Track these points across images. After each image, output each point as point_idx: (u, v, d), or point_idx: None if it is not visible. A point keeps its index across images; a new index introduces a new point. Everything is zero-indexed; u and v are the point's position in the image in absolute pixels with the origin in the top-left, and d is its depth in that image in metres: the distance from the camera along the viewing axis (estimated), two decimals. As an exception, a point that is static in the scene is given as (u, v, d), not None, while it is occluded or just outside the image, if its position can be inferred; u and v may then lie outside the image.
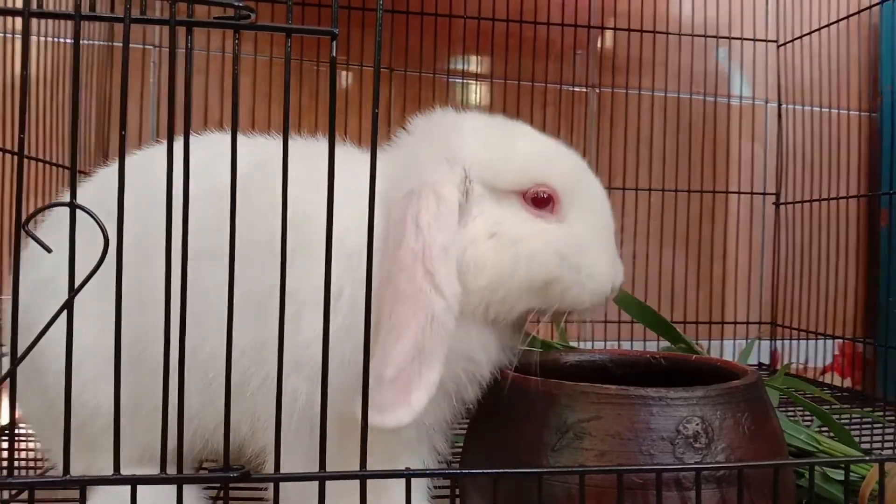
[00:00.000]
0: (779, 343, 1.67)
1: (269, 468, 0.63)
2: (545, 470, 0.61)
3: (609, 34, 1.69)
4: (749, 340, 1.16)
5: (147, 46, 1.50)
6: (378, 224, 0.59)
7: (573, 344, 1.39)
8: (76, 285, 0.49)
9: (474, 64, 1.64)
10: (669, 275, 1.68)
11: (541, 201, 0.71)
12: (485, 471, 0.61)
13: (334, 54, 0.55)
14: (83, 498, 0.51)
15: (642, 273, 1.66)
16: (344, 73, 1.57)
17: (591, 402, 0.66)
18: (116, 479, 0.52)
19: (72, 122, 0.51)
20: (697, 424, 0.64)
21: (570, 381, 0.68)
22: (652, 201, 1.69)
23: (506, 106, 1.64)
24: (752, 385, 0.69)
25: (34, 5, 0.50)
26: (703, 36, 1.68)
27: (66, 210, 0.52)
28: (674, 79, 1.69)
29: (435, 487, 0.75)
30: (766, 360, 1.70)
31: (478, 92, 1.64)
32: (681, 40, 1.67)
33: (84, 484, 0.51)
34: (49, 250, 0.51)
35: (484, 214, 0.70)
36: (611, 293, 0.74)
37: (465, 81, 1.64)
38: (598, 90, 1.69)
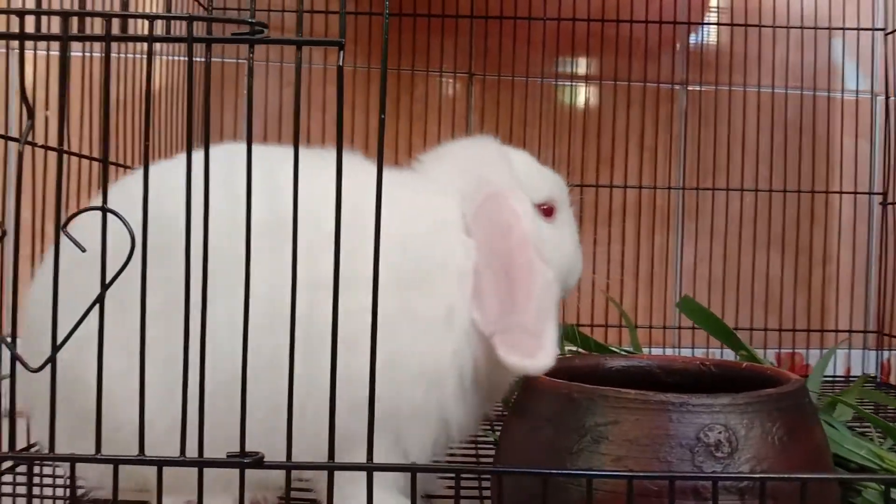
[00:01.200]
0: (886, 353, 1.55)
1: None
2: (550, 471, 0.61)
3: (702, 29, 1.63)
4: (827, 350, 1.09)
5: (241, 60, 1.59)
6: (459, 222, 0.81)
7: (646, 350, 1.36)
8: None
9: (561, 66, 1.63)
10: (765, 279, 1.60)
11: (548, 211, 0.90)
12: (496, 469, 0.62)
13: (341, 63, 0.58)
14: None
15: (734, 277, 1.60)
16: (418, 78, 1.61)
17: (611, 406, 0.65)
18: (139, 460, 0.57)
19: (103, 127, 0.56)
20: (720, 433, 0.62)
21: (591, 385, 0.67)
22: (747, 202, 1.61)
23: (616, 105, 1.62)
24: (787, 394, 0.65)
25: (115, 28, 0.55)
26: (804, 28, 1.59)
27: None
28: (768, 73, 1.61)
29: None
30: (872, 370, 1.58)
31: (572, 93, 1.63)
32: (775, 33, 1.58)
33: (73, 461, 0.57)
34: (83, 250, 0.56)
35: None
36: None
37: (555, 82, 1.63)
38: (688, 88, 1.64)
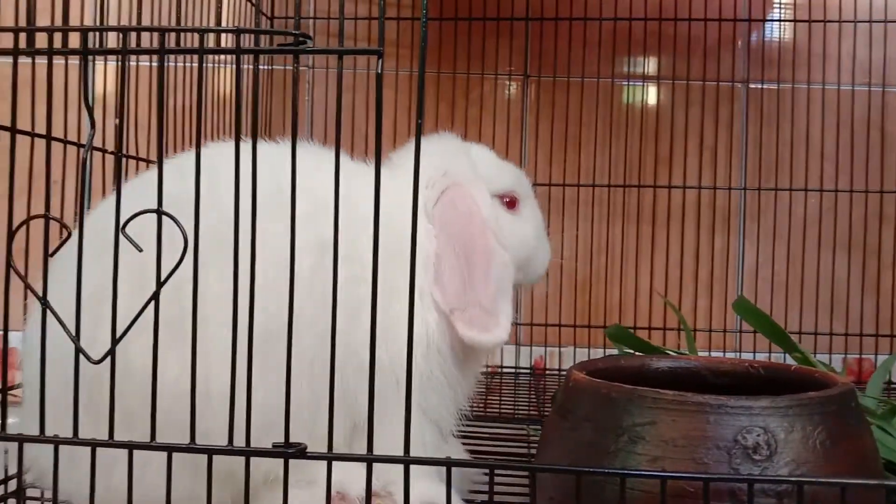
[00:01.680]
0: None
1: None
2: (582, 469, 0.61)
3: (764, 26, 1.60)
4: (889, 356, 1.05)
5: (302, 67, 1.64)
6: (429, 228, 0.86)
7: (704, 354, 1.34)
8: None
9: (619, 66, 1.62)
10: (831, 282, 1.55)
11: (511, 203, 0.95)
12: (529, 465, 0.63)
13: (380, 71, 0.60)
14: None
15: (797, 279, 1.55)
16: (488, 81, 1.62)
17: (648, 406, 0.65)
18: (189, 448, 0.60)
19: (158, 132, 0.60)
20: (759, 435, 0.61)
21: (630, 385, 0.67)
22: (812, 203, 1.57)
23: (675, 105, 1.61)
24: (831, 398, 0.64)
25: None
26: (873, 22, 1.53)
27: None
28: (833, 70, 1.56)
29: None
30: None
31: (629, 93, 1.62)
32: (841, 27, 1.54)
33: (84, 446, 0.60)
34: (140, 250, 0.60)
35: None
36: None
37: (612, 82, 1.62)
38: (749, 85, 1.61)
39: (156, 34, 0.59)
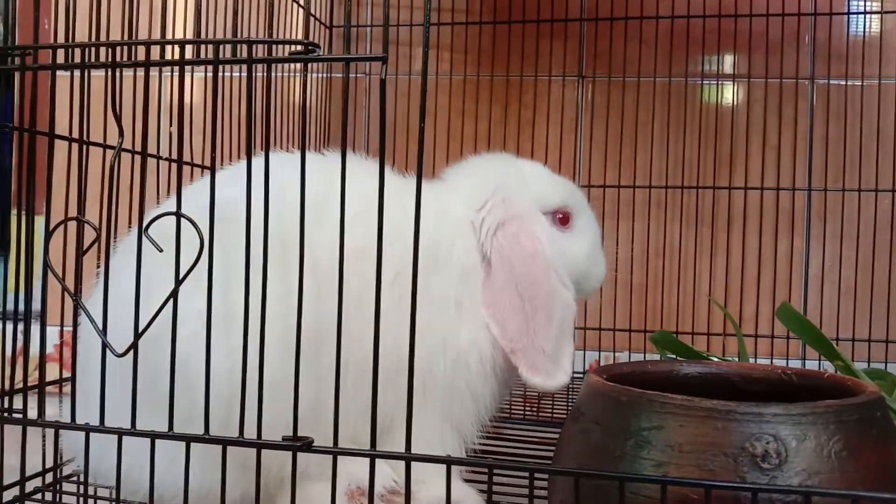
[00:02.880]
0: None
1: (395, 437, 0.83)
2: (581, 472, 0.61)
3: (832, 20, 1.53)
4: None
5: (360, 75, 1.68)
6: (471, 242, 0.88)
7: (763, 361, 1.29)
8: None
9: (676, 64, 1.58)
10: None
11: (564, 219, 0.95)
12: (528, 466, 0.63)
13: (384, 77, 0.62)
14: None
15: (867, 285, 1.48)
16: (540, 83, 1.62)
17: (656, 410, 0.64)
18: (202, 438, 0.63)
19: (178, 142, 0.64)
20: (768, 443, 0.59)
21: (640, 389, 0.66)
22: (883, 204, 1.49)
23: (736, 103, 1.56)
24: (850, 407, 0.61)
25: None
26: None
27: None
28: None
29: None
30: None
31: (702, 92, 1.59)
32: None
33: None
34: (160, 250, 0.64)
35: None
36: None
37: (670, 80, 1.59)
38: (815, 82, 1.54)
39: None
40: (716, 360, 1.03)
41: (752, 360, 1.41)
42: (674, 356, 1.12)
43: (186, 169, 0.98)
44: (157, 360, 0.71)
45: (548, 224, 0.93)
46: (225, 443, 0.64)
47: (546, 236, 0.89)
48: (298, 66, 0.64)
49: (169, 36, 0.64)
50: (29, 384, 0.79)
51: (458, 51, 1.64)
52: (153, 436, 0.66)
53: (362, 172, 0.78)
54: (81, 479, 0.82)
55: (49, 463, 0.84)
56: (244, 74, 1.29)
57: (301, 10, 1.46)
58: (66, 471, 0.89)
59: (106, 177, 0.65)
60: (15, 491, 0.79)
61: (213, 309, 0.65)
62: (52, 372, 1.41)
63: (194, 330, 0.68)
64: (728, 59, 1.55)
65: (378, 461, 0.64)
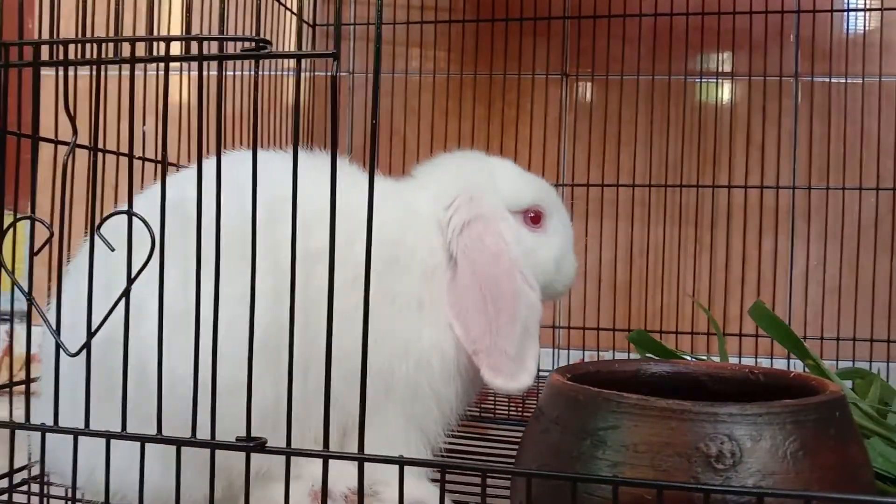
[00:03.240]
0: None
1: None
2: (532, 472, 0.60)
3: (815, 18, 1.52)
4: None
5: (343, 73, 1.67)
6: (437, 240, 0.87)
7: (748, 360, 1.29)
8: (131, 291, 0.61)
9: (659, 62, 1.57)
10: (888, 287, 1.46)
11: (535, 218, 0.94)
12: (476, 466, 0.62)
13: (334, 73, 0.61)
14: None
15: (851, 283, 1.47)
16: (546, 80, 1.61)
17: (612, 410, 0.63)
18: (158, 439, 0.63)
19: (129, 138, 0.63)
20: (722, 443, 0.59)
21: (594, 388, 0.65)
22: (867, 202, 1.48)
23: (720, 101, 1.56)
24: (809, 406, 0.61)
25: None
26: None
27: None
28: (892, 61, 1.47)
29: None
30: None
31: (685, 90, 1.58)
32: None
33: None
34: (112, 249, 0.63)
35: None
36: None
37: (653, 79, 1.58)
38: (800, 79, 1.53)
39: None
40: (689, 359, 1.03)
41: (732, 360, 1.41)
42: (651, 355, 1.12)
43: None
44: (117, 360, 0.71)
45: (517, 223, 0.93)
46: (179, 443, 0.64)
47: (512, 236, 0.88)
48: (290, 64, 0.64)
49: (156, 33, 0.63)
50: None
51: (441, 49, 1.63)
52: (108, 436, 0.65)
53: (321, 171, 0.78)
54: (46, 479, 0.82)
55: (17, 463, 0.84)
56: (231, 73, 1.28)
57: (287, 11, 1.46)
58: (37, 471, 0.88)
59: (83, 177, 0.64)
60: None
61: (175, 309, 0.65)
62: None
63: (153, 330, 0.67)
64: (712, 57, 1.54)
65: (345, 463, 0.64)
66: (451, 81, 1.62)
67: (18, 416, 0.72)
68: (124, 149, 0.69)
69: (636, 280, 1.57)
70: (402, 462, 0.61)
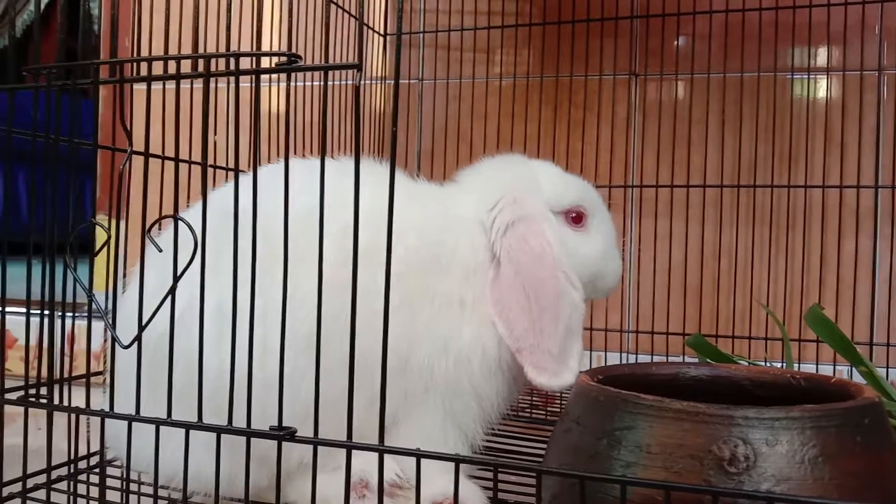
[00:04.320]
0: None
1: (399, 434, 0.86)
2: (543, 469, 0.61)
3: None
4: None
5: (412, 81, 1.72)
6: (480, 241, 0.89)
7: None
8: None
9: (731, 59, 1.53)
10: None
11: (577, 218, 0.95)
12: (460, 459, 0.64)
13: (357, 83, 0.64)
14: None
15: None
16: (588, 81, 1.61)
17: (629, 411, 0.63)
18: (195, 425, 0.68)
19: (175, 146, 0.69)
20: (736, 447, 0.58)
21: (619, 389, 0.66)
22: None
23: (796, 98, 1.51)
24: (832, 412, 0.59)
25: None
26: None
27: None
28: None
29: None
30: None
31: (759, 87, 1.54)
32: None
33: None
34: (160, 250, 0.69)
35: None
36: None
37: (724, 76, 1.55)
38: (884, 74, 1.46)
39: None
40: (744, 363, 1.00)
41: (808, 368, 1.35)
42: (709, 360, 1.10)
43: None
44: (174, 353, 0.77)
45: (560, 224, 0.94)
46: (218, 430, 0.68)
47: (556, 236, 0.89)
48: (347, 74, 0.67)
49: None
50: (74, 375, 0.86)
51: (508, 53, 1.65)
52: (156, 422, 0.71)
53: (370, 177, 0.81)
54: (119, 465, 0.88)
55: (85, 450, 0.91)
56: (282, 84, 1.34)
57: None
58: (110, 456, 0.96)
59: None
60: (62, 471, 0.86)
61: (225, 308, 0.70)
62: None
63: (205, 326, 0.72)
64: (788, 53, 1.49)
65: (387, 457, 0.66)
66: (518, 85, 1.63)
67: (97, 403, 0.79)
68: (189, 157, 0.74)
69: (708, 283, 1.53)
70: (419, 455, 0.63)
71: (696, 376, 0.82)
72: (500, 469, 0.61)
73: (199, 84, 0.69)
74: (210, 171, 0.71)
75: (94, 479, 0.83)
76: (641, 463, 0.61)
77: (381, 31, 1.68)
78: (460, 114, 1.67)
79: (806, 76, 1.48)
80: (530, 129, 1.62)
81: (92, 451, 0.92)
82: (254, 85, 0.67)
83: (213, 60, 0.67)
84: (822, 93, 1.48)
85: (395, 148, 0.63)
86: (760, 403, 0.68)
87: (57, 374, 0.78)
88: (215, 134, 1.17)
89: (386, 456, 0.67)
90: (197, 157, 0.70)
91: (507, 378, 0.89)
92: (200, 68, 0.68)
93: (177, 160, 0.71)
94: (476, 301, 0.87)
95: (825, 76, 1.48)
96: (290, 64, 0.66)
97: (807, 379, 0.76)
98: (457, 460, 0.64)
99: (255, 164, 0.67)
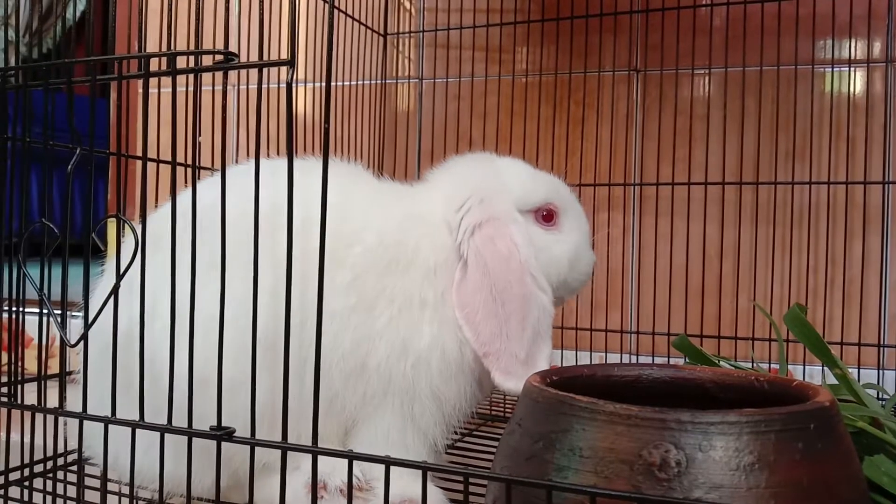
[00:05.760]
0: None
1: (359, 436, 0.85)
2: (469, 472, 0.60)
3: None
4: None
5: (413, 80, 1.71)
6: (444, 240, 0.88)
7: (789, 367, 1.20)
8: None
9: (732, 54, 1.49)
10: None
11: (548, 216, 0.93)
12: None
13: (290, 80, 0.64)
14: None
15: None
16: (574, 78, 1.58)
17: (564, 413, 0.61)
18: (136, 423, 0.68)
19: (116, 144, 0.69)
20: (668, 451, 0.56)
21: (562, 392, 0.64)
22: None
23: (797, 93, 1.46)
24: (772, 417, 0.56)
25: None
26: None
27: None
28: None
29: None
30: None
31: (761, 83, 1.50)
32: None
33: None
34: (103, 249, 0.69)
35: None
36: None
37: (726, 70, 1.51)
38: (892, 66, 1.40)
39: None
40: (726, 366, 0.97)
41: (798, 368, 1.31)
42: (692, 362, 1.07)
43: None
44: (132, 355, 0.77)
45: (530, 223, 0.92)
46: (162, 429, 0.69)
47: (524, 238, 0.88)
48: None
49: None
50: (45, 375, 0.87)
51: (507, 51, 1.63)
52: (105, 420, 0.71)
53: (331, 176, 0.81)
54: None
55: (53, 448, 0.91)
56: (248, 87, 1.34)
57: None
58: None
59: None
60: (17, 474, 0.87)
61: (179, 307, 0.70)
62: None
63: (164, 326, 0.72)
64: (789, 46, 1.44)
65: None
66: (518, 83, 1.62)
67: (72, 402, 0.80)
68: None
69: (710, 283, 1.49)
70: (388, 462, 0.62)
71: (659, 378, 0.79)
72: (463, 476, 0.60)
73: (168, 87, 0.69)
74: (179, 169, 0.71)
75: (61, 475, 0.84)
76: (573, 467, 0.59)
77: (381, 32, 1.68)
78: (460, 113, 1.65)
79: (811, 69, 1.44)
80: (531, 127, 1.60)
81: (69, 449, 0.93)
82: (193, 86, 0.67)
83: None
84: (828, 86, 1.43)
85: (328, 146, 0.63)
86: (722, 406, 0.66)
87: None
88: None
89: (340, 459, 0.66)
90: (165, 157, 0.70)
91: (469, 380, 0.87)
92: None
93: (145, 159, 0.71)
94: (438, 301, 0.85)
95: (831, 69, 1.43)
96: (226, 62, 0.66)
97: (770, 382, 0.73)
98: (424, 468, 0.63)
99: (196, 162, 0.67)
